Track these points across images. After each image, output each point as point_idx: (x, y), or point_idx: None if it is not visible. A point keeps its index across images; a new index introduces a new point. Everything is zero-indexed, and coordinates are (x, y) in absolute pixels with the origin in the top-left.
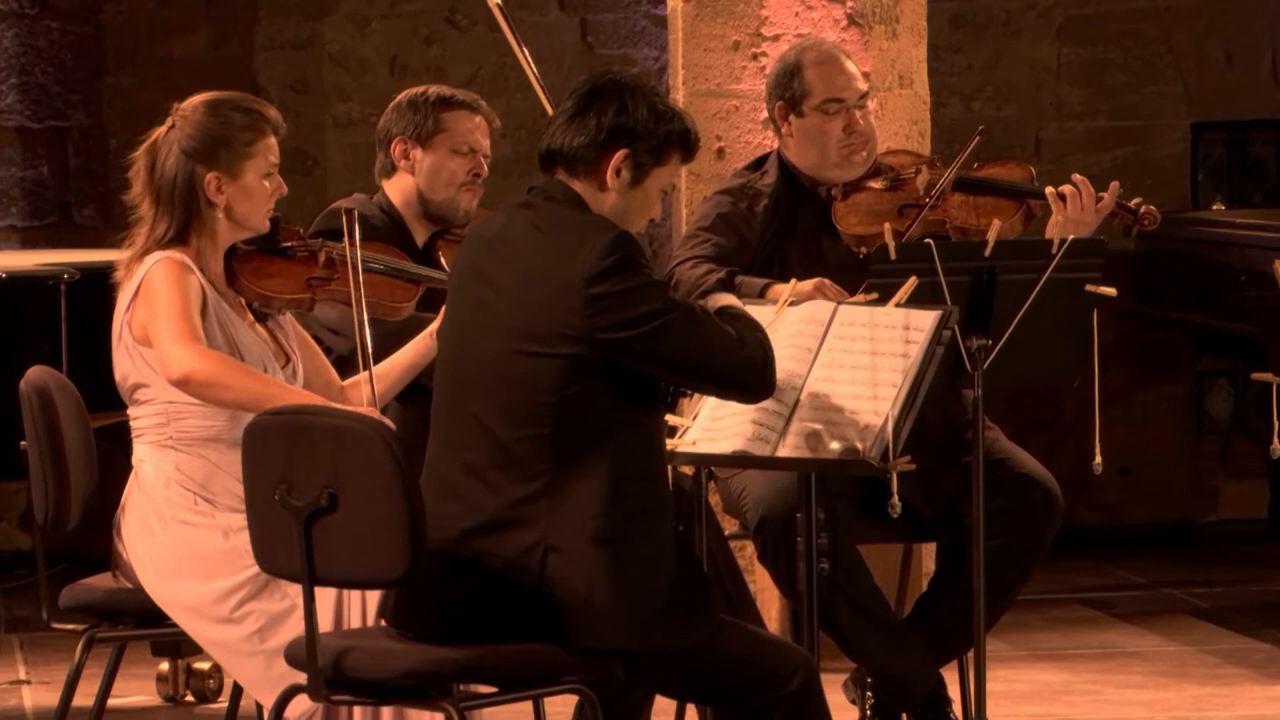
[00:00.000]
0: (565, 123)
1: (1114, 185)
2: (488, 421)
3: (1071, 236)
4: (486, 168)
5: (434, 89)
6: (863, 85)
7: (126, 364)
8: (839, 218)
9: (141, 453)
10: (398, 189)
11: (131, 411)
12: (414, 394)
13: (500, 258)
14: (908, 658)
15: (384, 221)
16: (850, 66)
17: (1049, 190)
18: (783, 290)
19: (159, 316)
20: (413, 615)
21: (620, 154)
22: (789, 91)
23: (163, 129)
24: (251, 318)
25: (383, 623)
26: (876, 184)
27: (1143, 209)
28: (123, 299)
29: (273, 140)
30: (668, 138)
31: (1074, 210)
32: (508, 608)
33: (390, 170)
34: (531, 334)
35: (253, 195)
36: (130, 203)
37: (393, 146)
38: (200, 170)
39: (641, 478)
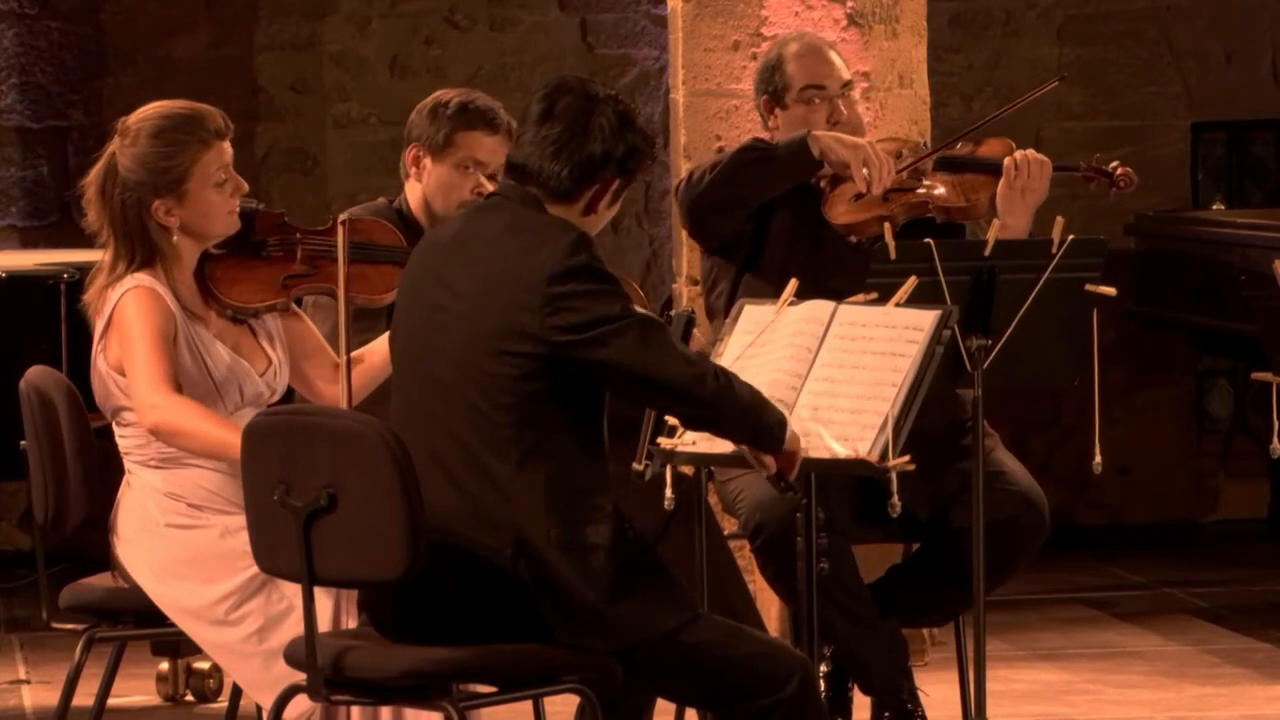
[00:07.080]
0: (549, 147)
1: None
2: (452, 424)
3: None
4: (489, 186)
5: (458, 99)
6: (845, 75)
7: (104, 390)
8: (827, 209)
9: (129, 465)
10: (413, 195)
11: (116, 429)
12: None
13: (459, 261)
14: (878, 650)
15: (401, 230)
16: (833, 57)
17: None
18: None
19: (133, 356)
20: (395, 618)
21: (614, 184)
22: (771, 85)
23: (110, 149)
24: (227, 324)
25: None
26: None
27: (1119, 171)
28: (96, 327)
29: (217, 148)
30: (638, 156)
31: (1020, 179)
32: (488, 607)
33: (407, 174)
34: (491, 333)
35: (207, 210)
36: (89, 229)
37: (408, 151)
38: (147, 199)
39: (590, 483)
